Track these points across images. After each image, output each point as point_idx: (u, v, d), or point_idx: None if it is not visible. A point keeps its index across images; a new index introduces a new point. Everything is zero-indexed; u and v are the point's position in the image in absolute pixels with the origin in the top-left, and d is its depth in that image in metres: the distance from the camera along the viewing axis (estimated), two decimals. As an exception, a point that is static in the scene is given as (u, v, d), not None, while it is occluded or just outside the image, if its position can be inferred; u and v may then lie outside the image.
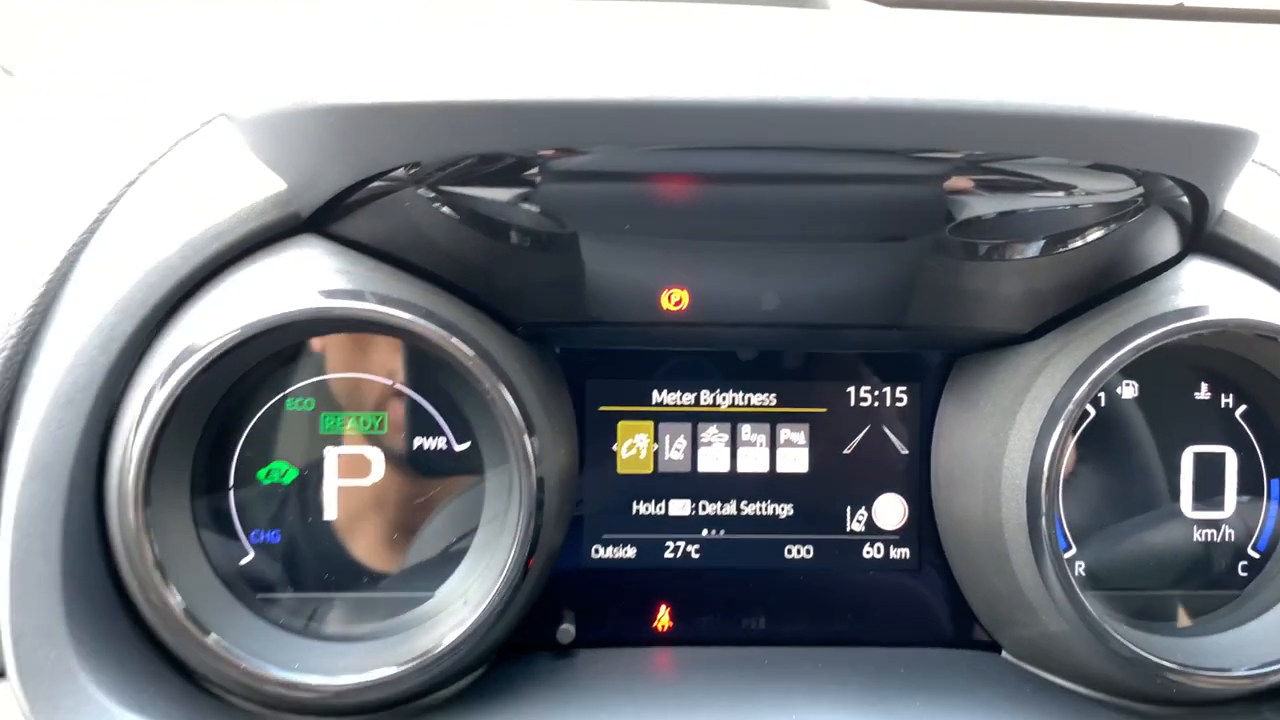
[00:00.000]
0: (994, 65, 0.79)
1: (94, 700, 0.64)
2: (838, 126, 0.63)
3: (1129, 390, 0.78)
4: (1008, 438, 0.74)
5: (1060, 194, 0.70)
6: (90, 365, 0.66)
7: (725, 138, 0.63)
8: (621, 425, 0.80)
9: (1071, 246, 0.73)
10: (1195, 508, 0.78)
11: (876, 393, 0.81)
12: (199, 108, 0.84)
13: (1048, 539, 0.71)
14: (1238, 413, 0.78)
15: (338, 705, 0.68)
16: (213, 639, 0.65)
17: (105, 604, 0.68)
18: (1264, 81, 1.22)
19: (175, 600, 0.64)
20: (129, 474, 0.64)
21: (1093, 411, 0.77)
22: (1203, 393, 0.78)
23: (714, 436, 0.81)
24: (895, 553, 0.82)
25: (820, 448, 0.81)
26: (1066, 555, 0.76)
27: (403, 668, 0.66)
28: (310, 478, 0.72)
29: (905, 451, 0.82)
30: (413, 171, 0.66)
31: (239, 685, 0.67)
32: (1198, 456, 0.78)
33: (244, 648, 0.66)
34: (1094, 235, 0.73)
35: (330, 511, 0.72)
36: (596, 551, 0.80)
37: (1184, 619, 0.78)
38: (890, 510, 0.82)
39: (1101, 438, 0.78)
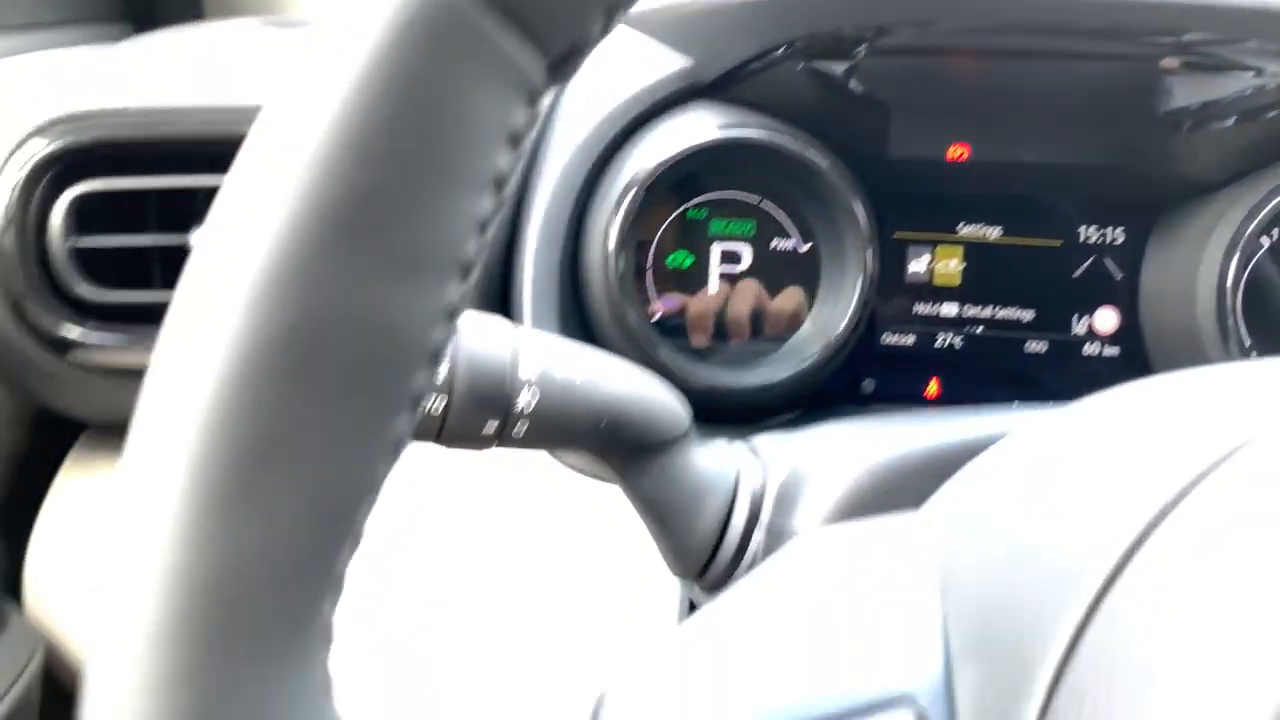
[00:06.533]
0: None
1: None
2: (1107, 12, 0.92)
3: (1308, 227, 1.02)
4: (1200, 258, 1.01)
5: (1250, 74, 0.97)
6: (569, 188, 1.00)
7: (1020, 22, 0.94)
8: (910, 247, 1.10)
9: (1264, 119, 1.00)
10: None
11: (1099, 231, 1.09)
12: None
13: (1234, 330, 0.98)
14: None
15: (743, 401, 1.00)
16: (663, 353, 0.98)
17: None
18: None
19: (638, 324, 0.98)
20: (609, 253, 0.98)
21: (1266, 242, 1.03)
22: None
23: (979, 259, 1.10)
24: (1108, 350, 1.10)
25: (1056, 270, 1.10)
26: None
27: (789, 373, 0.98)
28: (701, 263, 1.05)
29: (1120, 276, 1.09)
30: (788, 50, 0.98)
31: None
32: None
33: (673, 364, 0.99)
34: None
35: (713, 287, 1.05)
36: (885, 338, 1.11)
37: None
38: (1106, 319, 1.09)
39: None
